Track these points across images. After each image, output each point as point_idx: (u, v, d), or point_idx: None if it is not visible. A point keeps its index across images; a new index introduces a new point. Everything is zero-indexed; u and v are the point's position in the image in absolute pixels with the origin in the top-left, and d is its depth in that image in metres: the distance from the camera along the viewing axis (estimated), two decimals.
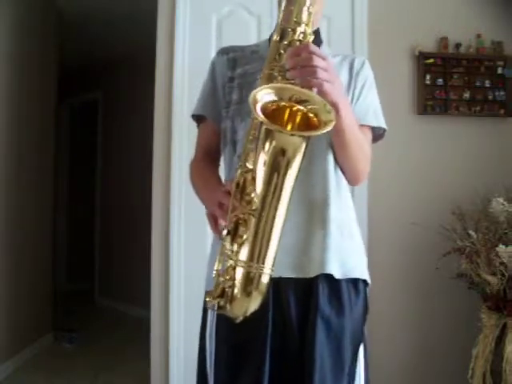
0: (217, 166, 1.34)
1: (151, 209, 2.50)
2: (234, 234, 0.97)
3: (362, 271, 1.21)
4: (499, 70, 2.51)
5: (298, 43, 1.01)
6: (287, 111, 0.97)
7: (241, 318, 0.99)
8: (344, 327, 1.12)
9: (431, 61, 2.48)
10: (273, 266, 0.97)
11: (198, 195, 1.28)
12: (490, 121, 2.53)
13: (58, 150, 4.27)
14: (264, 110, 0.92)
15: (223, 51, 1.32)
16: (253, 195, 0.94)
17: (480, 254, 2.07)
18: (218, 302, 0.98)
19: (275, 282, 1.06)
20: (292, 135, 0.94)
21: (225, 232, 0.97)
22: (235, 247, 0.96)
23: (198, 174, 1.31)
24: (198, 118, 1.35)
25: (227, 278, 0.97)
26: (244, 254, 0.96)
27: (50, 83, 3.77)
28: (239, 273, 0.96)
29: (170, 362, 2.41)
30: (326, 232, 1.14)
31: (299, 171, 0.95)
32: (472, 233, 2.07)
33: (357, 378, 1.15)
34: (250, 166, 0.96)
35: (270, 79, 1.01)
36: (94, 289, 5.19)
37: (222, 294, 0.98)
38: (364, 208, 2.39)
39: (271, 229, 0.95)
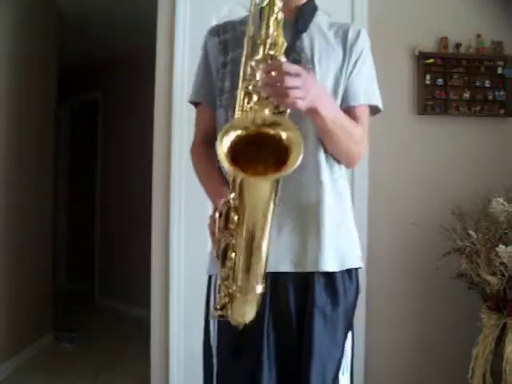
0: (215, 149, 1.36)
1: (151, 209, 2.50)
2: (223, 257, 1.05)
3: (356, 260, 1.26)
4: (499, 70, 2.51)
5: (269, 58, 1.01)
6: (257, 140, 0.98)
7: (242, 326, 1.11)
8: (339, 315, 1.20)
9: (431, 61, 2.48)
10: (263, 279, 1.07)
11: (203, 188, 1.31)
12: (490, 121, 2.53)
13: (58, 150, 4.27)
14: (233, 145, 0.95)
15: (214, 32, 1.31)
16: (234, 225, 1.01)
17: (480, 253, 2.07)
18: (220, 314, 1.10)
19: (274, 276, 1.14)
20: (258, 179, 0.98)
21: (216, 256, 1.07)
22: (226, 269, 1.06)
23: (201, 165, 1.32)
24: (195, 102, 1.37)
25: (223, 295, 1.09)
26: (235, 275, 1.05)
27: (50, 83, 3.76)
28: (233, 291, 1.07)
29: (169, 362, 2.41)
30: (321, 230, 1.18)
31: (276, 196, 1.00)
32: (472, 233, 2.07)
33: (345, 354, 1.24)
34: (232, 195, 1.01)
35: (246, 96, 1.03)
36: (94, 289, 5.19)
37: (223, 308, 1.10)
38: (364, 208, 2.39)
39: (257, 252, 1.03)
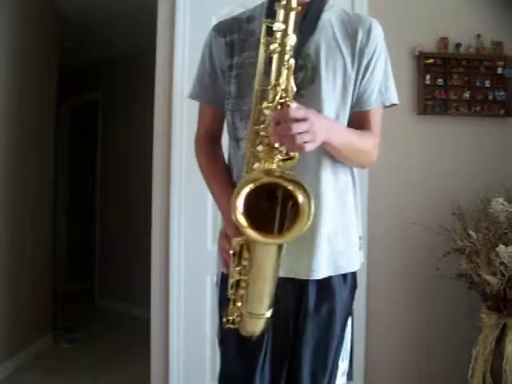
0: (220, 147, 1.38)
1: (151, 209, 2.50)
2: (236, 286, 1.14)
3: (351, 264, 1.28)
4: (499, 70, 2.51)
5: (279, 105, 1.02)
6: (271, 191, 1.04)
7: (254, 337, 1.19)
8: (334, 316, 1.24)
9: (431, 61, 2.48)
10: (271, 307, 1.14)
11: (212, 195, 1.34)
12: (489, 121, 2.53)
13: (58, 150, 4.27)
14: (245, 203, 1.00)
15: (220, 31, 1.29)
16: (246, 263, 1.10)
17: (480, 253, 2.07)
18: (233, 327, 1.19)
19: None
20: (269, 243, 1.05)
21: (229, 285, 1.15)
22: (239, 295, 1.14)
23: (209, 171, 1.33)
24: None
25: (236, 315, 1.17)
26: (246, 304, 1.14)
27: (50, 83, 3.76)
28: (244, 314, 1.15)
29: (169, 362, 2.41)
30: (316, 238, 1.20)
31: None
32: (472, 233, 2.07)
33: (345, 341, 1.29)
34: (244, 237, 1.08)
35: (256, 139, 1.06)
36: (94, 289, 5.18)
37: (233, 323, 1.18)
38: (364, 208, 2.39)
39: (268, 286, 1.11)
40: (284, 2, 0.99)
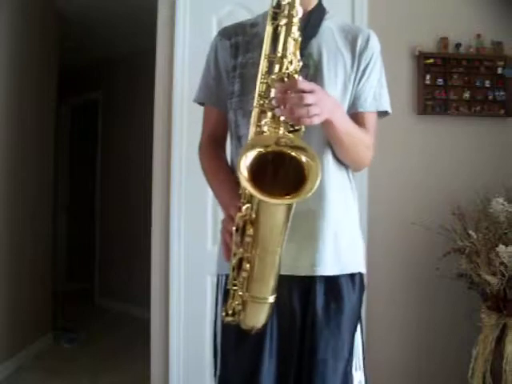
0: (224, 150, 1.38)
1: (151, 209, 2.50)
2: (238, 268, 1.08)
3: (356, 265, 1.27)
4: (499, 70, 2.51)
5: (286, 76, 1.03)
6: (278, 159, 1.01)
7: (254, 330, 1.14)
8: (342, 318, 1.21)
9: (431, 61, 2.48)
10: (276, 289, 1.10)
11: (213, 192, 1.32)
12: (489, 121, 2.53)
13: (58, 150, 4.27)
14: (254, 163, 0.98)
15: (225, 34, 1.32)
16: (250, 239, 1.03)
17: (480, 253, 2.07)
18: (232, 319, 1.13)
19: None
20: (276, 203, 0.99)
21: (230, 267, 1.09)
22: (241, 279, 1.08)
23: (211, 170, 1.32)
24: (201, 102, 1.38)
25: (236, 303, 1.11)
26: (249, 286, 1.08)
27: (50, 83, 3.76)
28: (246, 300, 1.10)
29: (169, 362, 2.41)
30: (319, 235, 1.19)
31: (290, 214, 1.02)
32: (472, 233, 2.07)
33: (356, 351, 1.26)
34: (247, 209, 1.03)
35: (261, 113, 1.06)
36: (94, 289, 5.19)
37: (234, 313, 1.12)
38: (364, 208, 2.39)
39: (271, 265, 1.07)
40: None
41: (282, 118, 1.03)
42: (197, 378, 2.40)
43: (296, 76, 1.04)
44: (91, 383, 3.02)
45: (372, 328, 2.41)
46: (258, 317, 1.12)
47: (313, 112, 0.99)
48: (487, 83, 2.50)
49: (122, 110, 4.92)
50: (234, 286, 1.10)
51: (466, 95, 2.49)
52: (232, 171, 1.27)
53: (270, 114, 1.04)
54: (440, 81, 2.48)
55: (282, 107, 0.99)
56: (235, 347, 1.22)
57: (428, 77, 2.47)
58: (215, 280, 1.35)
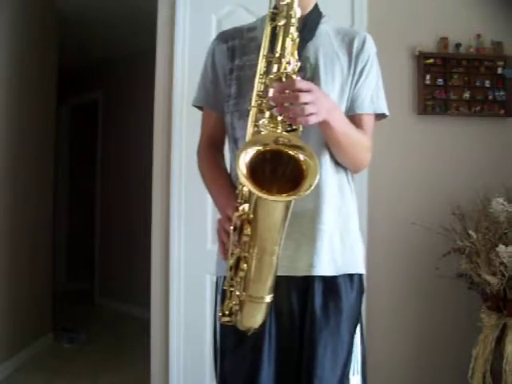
0: (222, 155, 1.38)
1: (151, 209, 2.50)
2: (235, 268, 1.08)
3: (358, 265, 1.27)
4: (499, 70, 2.51)
5: (284, 76, 1.04)
6: (276, 158, 1.01)
7: (251, 331, 1.13)
8: (341, 318, 1.21)
9: (431, 61, 2.48)
10: (273, 289, 1.09)
11: (210, 194, 1.32)
12: (489, 121, 2.53)
13: (58, 150, 4.27)
14: (252, 161, 0.98)
15: (222, 38, 1.32)
16: (247, 238, 1.03)
17: (480, 253, 2.07)
18: (228, 320, 1.13)
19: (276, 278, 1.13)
20: (275, 200, 0.99)
21: (228, 266, 1.09)
22: (238, 279, 1.08)
23: (209, 172, 1.33)
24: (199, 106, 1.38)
25: (234, 303, 1.11)
26: (246, 286, 1.08)
27: (49, 83, 3.76)
28: (243, 299, 1.09)
29: (169, 362, 2.41)
30: (317, 236, 1.19)
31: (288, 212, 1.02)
32: (472, 233, 2.07)
33: (354, 354, 1.25)
34: (245, 209, 1.03)
35: (259, 113, 1.06)
36: (94, 289, 5.19)
37: (231, 314, 1.12)
38: (364, 208, 2.39)
39: (269, 265, 1.06)
40: None
41: (280, 118, 1.03)
42: (197, 378, 2.40)
43: (294, 76, 1.04)
44: (91, 383, 3.02)
45: (372, 328, 2.41)
46: (254, 317, 1.12)
47: (309, 111, 0.99)
48: (487, 83, 2.50)
49: (122, 110, 4.92)
50: (231, 286, 1.10)
51: (466, 95, 2.49)
52: (230, 176, 1.28)
53: (267, 114, 1.04)
54: (440, 81, 2.48)
55: (279, 107, 1.00)
56: (234, 348, 1.22)
57: (428, 77, 2.47)
58: (215, 280, 1.35)
